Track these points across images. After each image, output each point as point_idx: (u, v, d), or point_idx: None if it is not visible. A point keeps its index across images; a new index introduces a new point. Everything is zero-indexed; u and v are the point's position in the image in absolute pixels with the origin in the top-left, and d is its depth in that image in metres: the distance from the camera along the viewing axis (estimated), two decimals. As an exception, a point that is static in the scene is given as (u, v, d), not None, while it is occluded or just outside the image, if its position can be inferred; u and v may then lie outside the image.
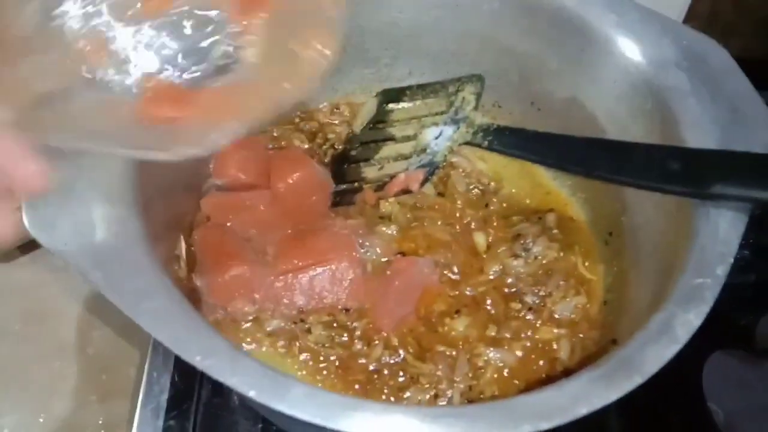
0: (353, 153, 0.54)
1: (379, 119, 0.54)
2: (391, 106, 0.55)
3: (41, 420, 0.54)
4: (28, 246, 0.63)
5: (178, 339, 0.31)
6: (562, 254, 0.50)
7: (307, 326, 0.47)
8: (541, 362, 0.47)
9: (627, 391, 0.32)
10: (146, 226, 0.35)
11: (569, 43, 0.49)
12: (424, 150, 0.51)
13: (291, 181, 0.49)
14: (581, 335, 0.47)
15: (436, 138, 0.50)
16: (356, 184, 0.52)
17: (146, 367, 0.53)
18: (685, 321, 0.34)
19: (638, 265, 0.46)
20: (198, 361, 0.30)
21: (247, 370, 0.31)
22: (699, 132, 0.41)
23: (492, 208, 0.53)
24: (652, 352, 0.33)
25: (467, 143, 0.49)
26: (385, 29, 0.54)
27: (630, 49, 0.46)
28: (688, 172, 0.38)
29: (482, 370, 0.46)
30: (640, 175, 0.40)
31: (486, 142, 0.48)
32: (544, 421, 0.30)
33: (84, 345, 0.59)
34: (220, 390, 0.53)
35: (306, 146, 0.56)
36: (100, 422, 0.54)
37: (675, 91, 0.43)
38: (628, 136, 0.47)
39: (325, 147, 0.56)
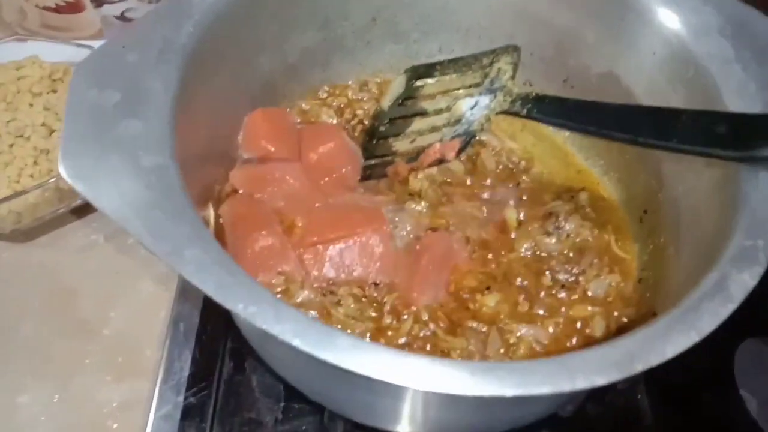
0: (382, 129, 0.54)
1: (408, 95, 0.54)
2: (420, 82, 0.54)
3: (57, 398, 0.53)
4: (50, 225, 0.62)
5: (221, 286, 0.30)
6: (595, 232, 0.49)
7: (337, 299, 0.45)
8: (575, 339, 0.45)
9: (684, 347, 0.31)
10: (184, 179, 0.34)
11: (607, 13, 0.48)
12: (458, 120, 0.51)
13: (322, 151, 0.48)
14: (616, 313, 0.46)
15: (472, 108, 0.50)
16: (387, 158, 0.51)
17: (166, 343, 0.53)
18: (739, 280, 0.33)
19: (678, 238, 0.45)
20: (241, 308, 0.29)
21: (292, 319, 0.30)
22: (744, 98, 0.41)
23: (523, 186, 0.53)
24: (707, 310, 0.32)
25: (505, 112, 0.49)
26: (416, 3, 0.53)
27: (670, 18, 0.45)
28: (736, 136, 0.37)
29: (515, 347, 0.45)
30: (687, 140, 0.39)
31: (525, 111, 0.47)
32: (600, 376, 0.29)
33: (101, 325, 0.58)
34: (241, 368, 0.52)
35: (334, 121, 0.55)
36: (115, 403, 0.53)
37: (718, 59, 0.42)
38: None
39: (353, 122, 0.55)
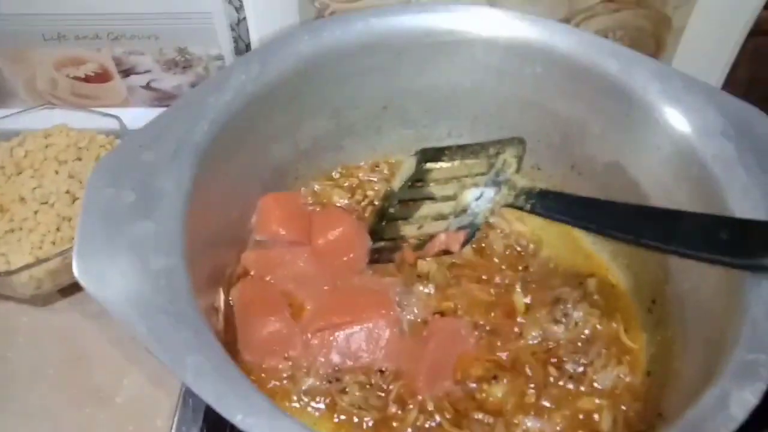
0: (391, 210, 0.54)
1: (418, 178, 0.55)
2: (429, 165, 0.55)
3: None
4: (68, 290, 0.64)
5: (221, 396, 0.31)
6: (603, 321, 0.49)
7: (342, 386, 0.46)
8: (581, 433, 0.45)
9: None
10: (192, 279, 0.35)
11: (613, 108, 0.49)
12: (464, 210, 0.51)
13: (331, 238, 0.49)
14: (623, 407, 0.46)
15: (477, 199, 0.50)
16: (395, 242, 0.52)
17: (175, 420, 0.53)
18: (740, 399, 0.33)
19: (684, 335, 0.44)
20: (239, 420, 0.30)
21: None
22: (747, 201, 0.41)
23: (531, 270, 0.53)
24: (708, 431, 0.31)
25: (509, 205, 0.49)
26: (425, 92, 0.55)
27: (674, 117, 0.46)
28: (738, 243, 0.38)
29: (521, 440, 0.44)
30: (688, 244, 0.39)
31: (528, 206, 0.48)
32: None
33: (114, 393, 0.58)
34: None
35: (345, 201, 0.56)
36: (126, 474, 0.53)
37: (721, 160, 0.43)
38: (671, 203, 0.46)
39: (363, 203, 0.56)
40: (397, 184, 0.55)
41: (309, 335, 0.47)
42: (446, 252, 0.51)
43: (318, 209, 0.55)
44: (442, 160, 0.53)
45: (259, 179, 0.50)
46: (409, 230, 0.53)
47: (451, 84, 0.54)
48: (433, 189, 0.53)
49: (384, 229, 0.53)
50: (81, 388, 0.58)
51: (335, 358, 0.46)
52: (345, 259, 0.50)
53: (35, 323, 0.63)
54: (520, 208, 0.48)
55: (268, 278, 0.49)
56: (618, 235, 0.43)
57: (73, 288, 0.64)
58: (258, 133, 0.48)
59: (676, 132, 0.46)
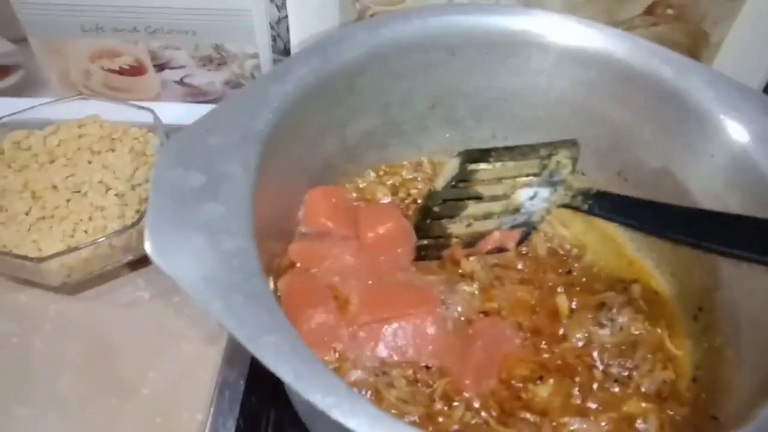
0: (435, 209, 0.55)
1: (462, 178, 0.55)
2: (473, 166, 0.55)
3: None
4: (98, 280, 0.63)
5: (299, 376, 0.31)
6: (648, 326, 0.49)
7: (389, 380, 0.46)
8: (628, 436, 0.45)
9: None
10: (261, 261, 0.35)
11: (665, 114, 0.49)
12: (517, 210, 0.51)
13: (381, 232, 0.49)
14: (670, 412, 0.46)
15: (531, 199, 0.51)
16: (441, 240, 0.52)
17: (211, 410, 0.53)
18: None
19: (737, 341, 0.45)
20: (319, 399, 0.30)
21: (368, 414, 0.30)
22: (807, 210, 0.41)
23: (574, 274, 0.53)
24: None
25: (566, 206, 0.50)
26: (475, 92, 0.55)
27: (730, 124, 0.46)
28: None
29: (568, 441, 0.44)
30: (751, 247, 0.39)
31: (586, 206, 0.48)
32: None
33: (140, 384, 0.58)
34: (284, 438, 0.52)
35: (389, 199, 0.56)
36: (154, 465, 0.52)
37: (779, 168, 0.43)
38: (723, 210, 0.47)
39: (407, 201, 0.56)
40: (440, 183, 0.56)
41: (356, 328, 0.46)
42: (500, 250, 0.51)
43: (363, 205, 0.55)
44: (488, 161, 0.54)
45: (307, 173, 0.50)
46: (456, 228, 0.53)
47: (502, 86, 0.54)
48: (480, 189, 0.53)
49: (429, 227, 0.53)
50: (107, 378, 0.58)
51: (382, 351, 0.46)
52: (392, 254, 0.50)
53: (63, 312, 0.63)
54: (577, 209, 0.49)
55: (314, 270, 0.49)
56: (679, 238, 0.43)
57: (103, 278, 0.64)
58: (312, 125, 0.48)
59: (731, 139, 0.46)
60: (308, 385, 0.30)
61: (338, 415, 0.30)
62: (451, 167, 0.56)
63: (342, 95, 0.49)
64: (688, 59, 0.48)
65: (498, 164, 0.53)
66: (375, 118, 0.54)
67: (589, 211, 0.48)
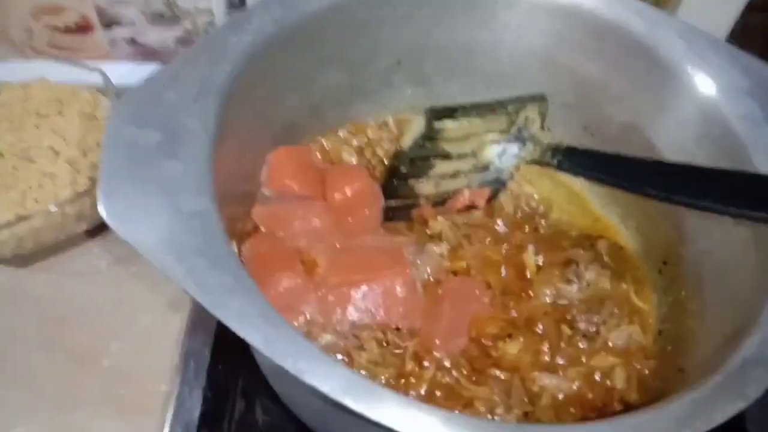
0: (402, 169, 0.54)
1: (429, 136, 0.54)
2: (439, 124, 0.54)
3: (55, 430, 0.52)
4: (50, 250, 0.61)
5: (268, 340, 0.29)
6: (614, 282, 0.50)
7: (360, 343, 0.45)
8: (596, 391, 0.45)
9: (732, 414, 0.31)
10: (223, 223, 0.33)
11: (634, 67, 0.49)
12: (486, 167, 0.51)
13: (348, 193, 0.48)
14: (637, 365, 0.46)
15: (500, 156, 0.50)
16: (410, 200, 0.51)
17: (177, 380, 0.51)
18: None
19: (701, 294, 0.45)
20: (290, 364, 0.29)
21: (341, 376, 0.29)
22: (773, 160, 0.41)
23: (541, 231, 0.53)
24: (753, 378, 0.32)
25: (535, 162, 0.49)
26: (441, 47, 0.54)
27: (699, 77, 0.46)
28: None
29: (538, 396, 0.44)
30: (720, 199, 0.39)
31: (556, 162, 0.48)
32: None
33: (101, 356, 0.56)
34: (252, 408, 0.51)
35: (354, 161, 0.55)
36: (118, 438, 0.51)
37: (747, 120, 0.43)
38: (691, 163, 0.47)
39: (373, 162, 0.55)
40: (406, 142, 0.54)
41: (325, 292, 0.45)
42: (470, 208, 0.50)
43: (329, 166, 0.54)
44: (455, 118, 0.53)
45: (269, 131, 0.48)
46: (424, 188, 0.52)
47: (467, 39, 0.53)
48: (447, 147, 0.52)
49: (397, 187, 0.52)
50: (64, 351, 0.56)
51: (352, 314, 0.45)
52: (359, 216, 0.49)
53: (14, 284, 0.61)
54: (547, 164, 0.48)
55: (279, 234, 0.48)
56: (650, 192, 0.43)
57: (55, 248, 0.62)
58: (274, 80, 0.46)
59: (700, 92, 0.46)
60: (278, 350, 0.29)
61: (311, 379, 0.29)
62: (416, 125, 0.55)
63: (305, 48, 0.47)
64: (658, 12, 0.48)
65: (465, 121, 0.52)
66: (339, 74, 0.52)
67: (559, 167, 0.48)
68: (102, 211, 0.31)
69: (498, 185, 0.51)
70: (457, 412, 0.30)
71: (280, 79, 0.47)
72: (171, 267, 0.30)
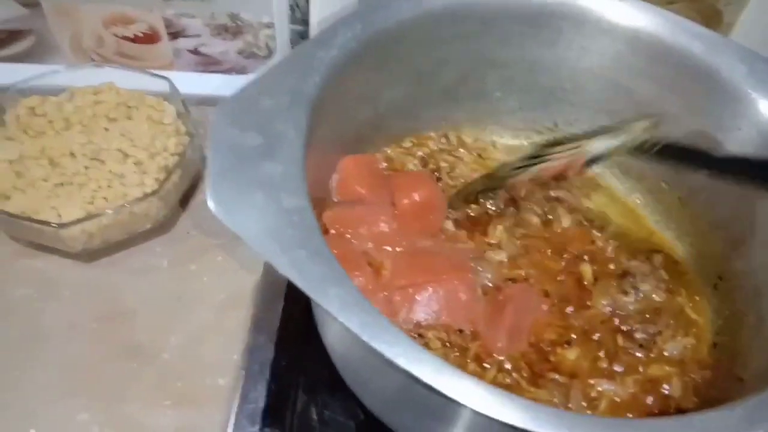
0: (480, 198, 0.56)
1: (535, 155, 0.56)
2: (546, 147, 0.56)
3: (115, 418, 0.54)
4: (115, 247, 0.63)
5: (365, 326, 0.31)
6: (669, 295, 0.51)
7: (424, 342, 0.47)
8: (652, 398, 0.47)
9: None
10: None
11: (693, 89, 0.50)
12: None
13: (416, 199, 0.50)
14: (692, 375, 0.48)
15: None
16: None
17: (243, 373, 0.53)
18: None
19: (758, 309, 0.46)
20: (385, 348, 0.31)
21: (431, 362, 0.31)
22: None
23: (598, 244, 0.54)
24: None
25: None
26: (505, 64, 0.56)
27: (760, 100, 0.48)
28: None
29: (596, 401, 0.46)
30: None
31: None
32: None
33: (160, 350, 0.58)
34: (314, 402, 0.53)
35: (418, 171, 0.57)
36: (174, 428, 0.53)
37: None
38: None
39: (436, 174, 0.57)
40: (507, 167, 0.56)
41: (391, 292, 0.47)
42: (561, 177, 0.52)
43: (396, 173, 0.56)
44: (562, 143, 0.54)
45: (341, 141, 0.51)
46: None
47: (532, 58, 0.55)
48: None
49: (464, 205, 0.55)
50: (124, 343, 0.58)
51: (417, 315, 0.47)
52: (424, 221, 0.51)
53: (80, 278, 0.63)
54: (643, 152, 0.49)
55: (348, 236, 0.50)
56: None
57: (120, 245, 0.64)
58: (351, 92, 0.49)
59: (761, 115, 0.48)
60: (374, 334, 0.31)
61: (404, 363, 0.31)
62: (521, 153, 0.56)
63: (379, 63, 0.50)
64: (718, 35, 0.50)
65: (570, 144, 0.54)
66: (406, 87, 0.54)
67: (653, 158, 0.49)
68: (212, 206, 0.34)
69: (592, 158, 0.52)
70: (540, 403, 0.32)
71: (355, 92, 0.50)
72: (276, 256, 0.33)
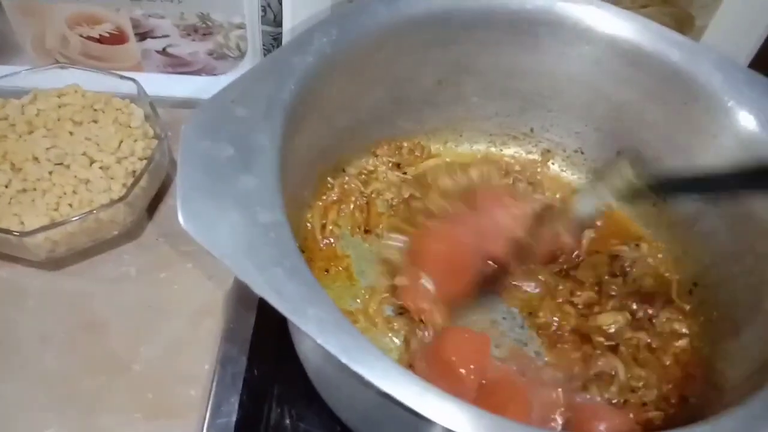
0: None
1: None
2: None
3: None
4: (81, 254, 0.61)
5: (346, 349, 0.31)
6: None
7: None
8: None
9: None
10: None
11: (670, 95, 0.51)
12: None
13: None
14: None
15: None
16: None
17: (214, 384, 0.52)
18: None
19: (735, 316, 0.47)
20: (366, 372, 0.30)
21: (415, 385, 0.31)
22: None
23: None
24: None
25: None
26: (483, 70, 0.55)
27: (736, 108, 0.48)
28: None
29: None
30: None
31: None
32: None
33: (131, 360, 0.57)
34: (288, 414, 0.52)
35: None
36: (145, 441, 0.51)
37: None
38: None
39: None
40: None
41: None
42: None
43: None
44: None
45: (319, 148, 0.50)
46: None
47: (510, 63, 0.55)
48: None
49: None
50: (95, 354, 0.56)
51: None
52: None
53: (46, 287, 0.61)
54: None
55: None
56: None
57: (86, 253, 0.63)
58: (327, 99, 0.48)
59: (738, 124, 0.48)
60: (354, 357, 0.30)
61: (386, 386, 0.30)
62: None
63: (356, 69, 0.49)
64: (695, 43, 0.50)
65: None
66: (384, 93, 0.53)
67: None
68: (182, 221, 0.32)
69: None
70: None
71: (331, 99, 0.48)
72: (251, 275, 0.32)
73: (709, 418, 0.33)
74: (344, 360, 0.30)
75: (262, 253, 0.33)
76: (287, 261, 0.33)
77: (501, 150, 0.60)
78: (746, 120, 0.47)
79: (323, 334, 0.30)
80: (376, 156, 0.57)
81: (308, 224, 0.52)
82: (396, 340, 0.49)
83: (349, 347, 0.30)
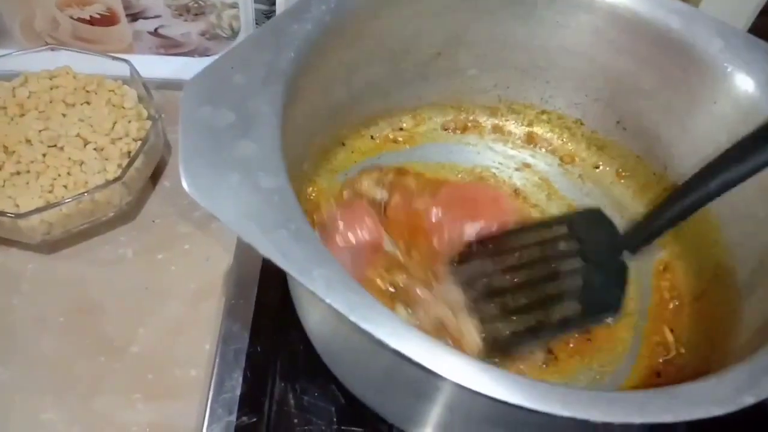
0: None
1: None
2: None
3: (83, 414, 0.52)
4: (77, 237, 0.61)
5: (354, 307, 0.30)
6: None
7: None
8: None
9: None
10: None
11: (669, 63, 0.50)
12: None
13: None
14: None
15: None
16: None
17: (216, 361, 0.52)
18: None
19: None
20: (375, 329, 0.30)
21: (420, 341, 0.31)
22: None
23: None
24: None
25: None
26: (479, 40, 0.55)
27: (737, 75, 0.48)
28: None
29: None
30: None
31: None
32: (716, 407, 0.30)
33: (128, 342, 0.57)
34: (292, 389, 0.52)
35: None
36: (146, 422, 0.52)
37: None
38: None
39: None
40: None
41: None
42: None
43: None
44: None
45: (315, 119, 0.49)
46: None
47: (506, 33, 0.54)
48: None
49: None
50: (92, 337, 0.56)
51: None
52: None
53: (41, 270, 0.61)
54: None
55: None
56: None
57: (82, 235, 0.62)
58: (326, 69, 0.47)
59: (737, 89, 0.48)
60: (363, 315, 0.30)
61: (396, 343, 0.30)
62: None
63: (353, 39, 0.48)
64: (694, 9, 0.50)
65: None
66: (381, 64, 0.53)
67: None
68: (186, 186, 0.32)
69: None
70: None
71: (330, 69, 0.48)
72: (257, 238, 0.31)
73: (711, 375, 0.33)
74: (353, 318, 0.29)
75: (266, 217, 0.32)
76: (292, 224, 0.32)
77: (503, 124, 0.60)
78: (746, 84, 0.47)
79: (331, 294, 0.30)
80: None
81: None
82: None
83: (357, 305, 0.30)
